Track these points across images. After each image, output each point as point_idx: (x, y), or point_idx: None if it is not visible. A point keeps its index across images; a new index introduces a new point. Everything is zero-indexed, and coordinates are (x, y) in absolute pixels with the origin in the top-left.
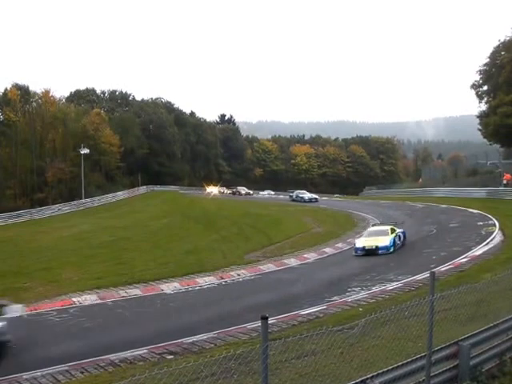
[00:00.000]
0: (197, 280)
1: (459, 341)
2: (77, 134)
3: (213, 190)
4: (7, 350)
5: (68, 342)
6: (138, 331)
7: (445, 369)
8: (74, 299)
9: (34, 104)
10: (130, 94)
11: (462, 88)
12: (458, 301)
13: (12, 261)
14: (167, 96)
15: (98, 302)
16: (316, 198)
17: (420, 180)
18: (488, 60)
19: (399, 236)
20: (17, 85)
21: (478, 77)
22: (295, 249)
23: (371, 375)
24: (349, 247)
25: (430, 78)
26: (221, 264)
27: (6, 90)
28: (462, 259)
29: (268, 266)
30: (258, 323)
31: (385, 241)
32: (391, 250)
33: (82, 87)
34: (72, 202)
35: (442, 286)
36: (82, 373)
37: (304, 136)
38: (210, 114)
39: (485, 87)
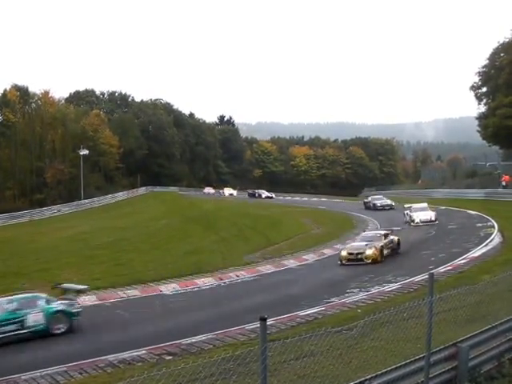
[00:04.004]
0: (196, 281)
1: (458, 342)
2: (76, 134)
3: (229, 191)
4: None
5: (66, 342)
6: (136, 332)
7: (443, 370)
8: None
9: (34, 105)
10: (129, 95)
11: (461, 89)
12: (456, 302)
13: (11, 261)
14: (166, 97)
15: (97, 302)
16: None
17: (419, 181)
18: (487, 62)
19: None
20: (16, 86)
21: (477, 78)
22: (294, 250)
23: (370, 376)
24: None
25: (429, 79)
26: (220, 265)
27: (5, 90)
28: (460, 261)
29: (267, 268)
30: (257, 324)
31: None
32: None
33: (82, 88)
34: (71, 203)
35: (440, 287)
36: (81, 374)
37: (303, 137)
38: (209, 115)
39: (484, 89)
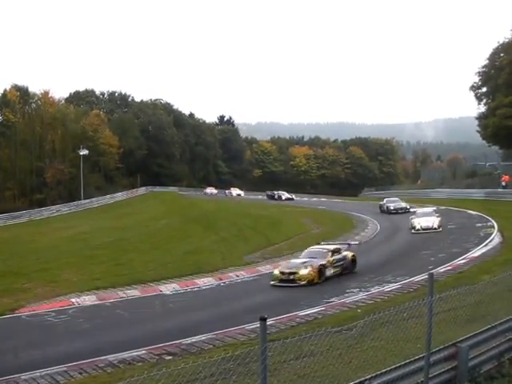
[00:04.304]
0: (196, 281)
1: (458, 342)
2: (76, 134)
3: (237, 191)
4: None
5: (66, 342)
6: (136, 332)
7: (443, 370)
8: (72, 300)
9: (34, 105)
10: (129, 95)
11: (461, 89)
12: (456, 302)
13: (11, 261)
14: (166, 97)
15: (97, 302)
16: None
17: (419, 181)
18: (487, 62)
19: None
20: (16, 86)
21: (477, 78)
22: (294, 250)
23: (370, 376)
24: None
25: (429, 79)
26: (220, 265)
27: (5, 90)
28: (460, 261)
29: (267, 267)
30: (257, 324)
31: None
32: None
33: (82, 88)
34: (71, 203)
35: (440, 287)
36: (81, 373)
37: (303, 137)
38: (209, 116)
39: (484, 89)
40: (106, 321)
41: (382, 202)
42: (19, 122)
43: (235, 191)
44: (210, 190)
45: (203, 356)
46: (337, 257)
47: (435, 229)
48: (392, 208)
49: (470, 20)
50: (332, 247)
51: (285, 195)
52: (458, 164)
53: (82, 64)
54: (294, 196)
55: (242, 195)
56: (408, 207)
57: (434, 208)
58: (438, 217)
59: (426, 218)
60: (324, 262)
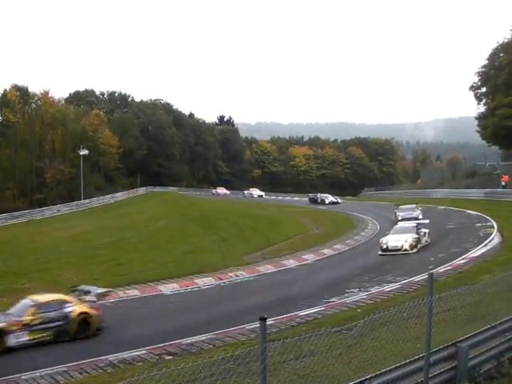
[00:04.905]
0: (195, 281)
1: (457, 342)
2: (76, 135)
3: (257, 192)
4: None
5: (66, 342)
6: (136, 332)
7: (443, 370)
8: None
9: (34, 105)
10: (129, 96)
11: (460, 90)
12: (456, 302)
13: (11, 261)
14: (166, 97)
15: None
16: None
17: (418, 181)
18: (487, 62)
19: None
20: (16, 86)
21: (476, 78)
22: (294, 250)
23: (369, 376)
24: (347, 248)
25: (428, 79)
26: (219, 265)
27: (5, 91)
28: (460, 261)
29: (266, 267)
30: (257, 324)
31: None
32: None
33: (82, 88)
34: (71, 203)
35: (440, 287)
36: (81, 373)
37: (303, 137)
38: (209, 116)
39: (483, 89)
40: (105, 321)
41: (395, 210)
42: (19, 122)
43: (256, 192)
44: (222, 191)
45: (203, 356)
46: (47, 315)
47: (405, 250)
48: (400, 218)
49: (470, 20)
50: (51, 298)
51: (329, 198)
52: (457, 164)
53: (82, 64)
54: (339, 199)
55: (264, 196)
56: (419, 218)
57: (426, 221)
58: (417, 234)
59: (397, 237)
60: (2, 325)
